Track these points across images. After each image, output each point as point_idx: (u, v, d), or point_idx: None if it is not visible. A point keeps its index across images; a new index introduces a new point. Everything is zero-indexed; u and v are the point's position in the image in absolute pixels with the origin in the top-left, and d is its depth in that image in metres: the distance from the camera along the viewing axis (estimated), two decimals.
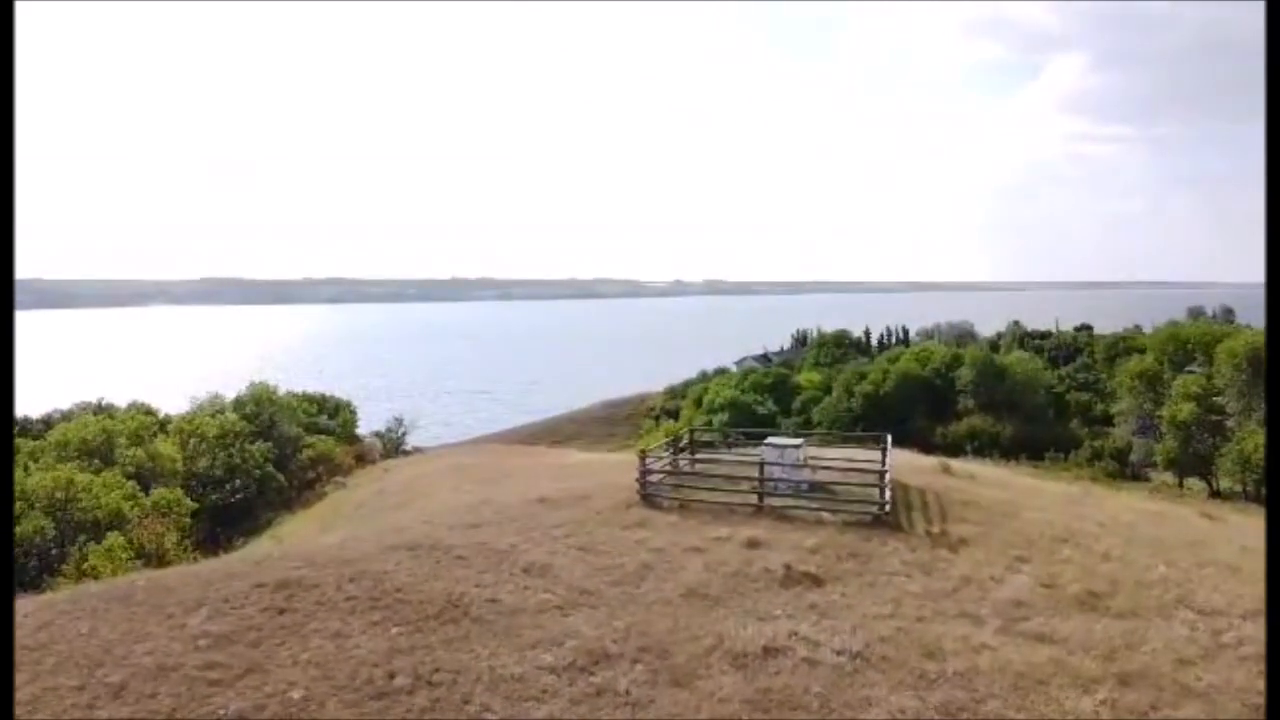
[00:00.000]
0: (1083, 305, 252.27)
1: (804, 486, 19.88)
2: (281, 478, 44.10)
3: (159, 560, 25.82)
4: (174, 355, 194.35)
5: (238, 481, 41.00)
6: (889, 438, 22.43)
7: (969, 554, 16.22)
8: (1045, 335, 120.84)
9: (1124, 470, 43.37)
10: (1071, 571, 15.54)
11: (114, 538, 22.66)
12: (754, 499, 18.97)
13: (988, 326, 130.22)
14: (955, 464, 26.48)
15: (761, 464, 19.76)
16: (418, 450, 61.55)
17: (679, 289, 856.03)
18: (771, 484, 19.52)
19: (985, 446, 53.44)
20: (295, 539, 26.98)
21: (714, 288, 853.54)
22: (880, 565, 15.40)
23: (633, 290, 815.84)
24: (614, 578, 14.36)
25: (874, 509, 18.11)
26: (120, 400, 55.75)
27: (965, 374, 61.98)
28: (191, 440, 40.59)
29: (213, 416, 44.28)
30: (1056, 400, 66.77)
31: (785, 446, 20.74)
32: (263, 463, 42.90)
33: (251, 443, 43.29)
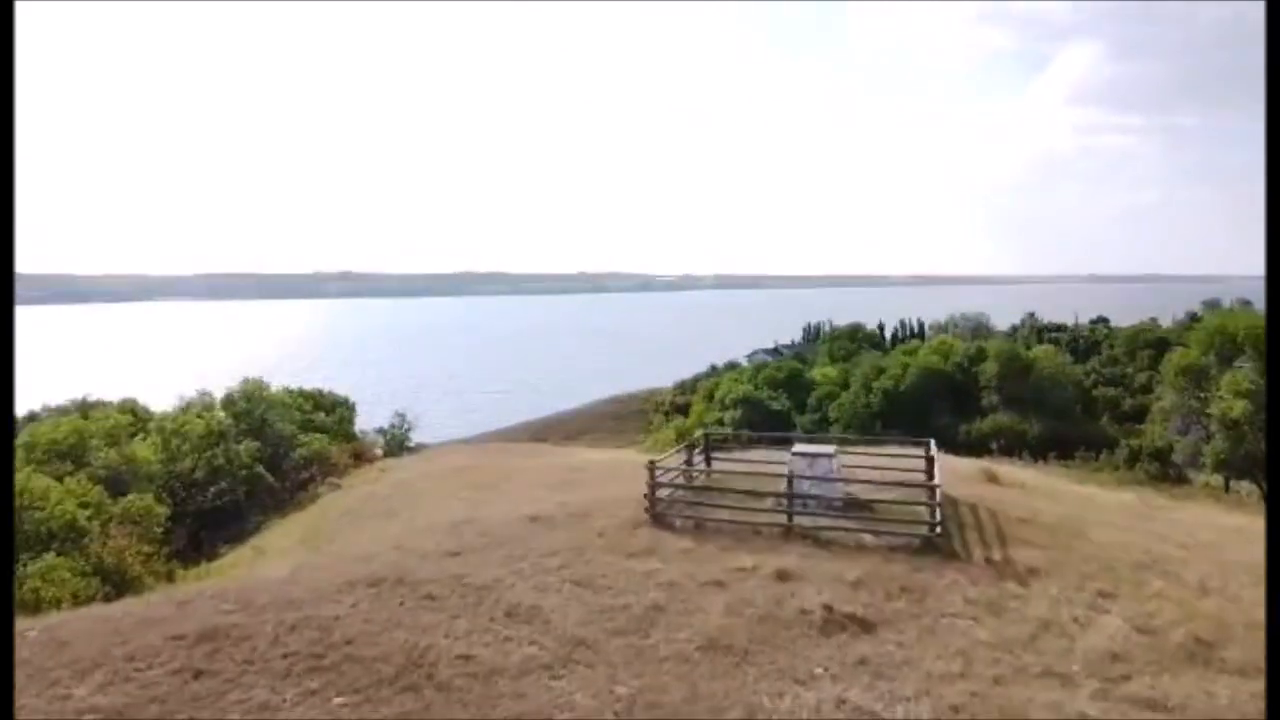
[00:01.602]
0: (1094, 298, 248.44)
1: (838, 503, 17.23)
2: (271, 478, 41.76)
3: (121, 578, 23.44)
4: (181, 351, 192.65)
5: (223, 484, 38.65)
6: (932, 443, 19.57)
7: (1042, 588, 13.58)
8: (1061, 328, 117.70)
9: (1166, 472, 40.53)
10: (1169, 610, 12.89)
11: (50, 559, 20.02)
12: (781, 518, 16.34)
13: (1000, 319, 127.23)
14: (1001, 469, 23.83)
15: (790, 477, 17.02)
16: (421, 447, 59.27)
17: (689, 282, 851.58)
18: (800, 501, 16.88)
19: (1012, 445, 50.78)
20: (270, 555, 24.59)
21: (724, 281, 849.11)
22: (939, 604, 12.76)
23: (643, 284, 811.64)
24: (617, 624, 11.78)
25: (924, 530, 15.47)
26: (116, 397, 53.55)
27: (989, 368, 59.00)
28: (174, 440, 38.21)
29: (200, 415, 41.90)
30: (1084, 396, 63.88)
31: (816, 455, 18.04)
32: (251, 463, 40.54)
33: (238, 442, 40.92)
